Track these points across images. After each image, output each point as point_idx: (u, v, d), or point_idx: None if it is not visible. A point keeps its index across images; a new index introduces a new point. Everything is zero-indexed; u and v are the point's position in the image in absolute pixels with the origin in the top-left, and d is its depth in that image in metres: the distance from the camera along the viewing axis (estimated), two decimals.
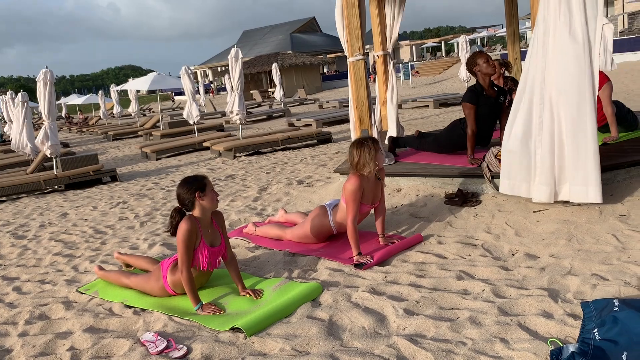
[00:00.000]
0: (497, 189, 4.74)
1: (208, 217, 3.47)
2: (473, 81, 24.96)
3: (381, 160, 3.97)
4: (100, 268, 4.04)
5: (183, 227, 3.32)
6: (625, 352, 2.30)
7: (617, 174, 4.50)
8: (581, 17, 3.79)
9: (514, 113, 4.17)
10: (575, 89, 3.86)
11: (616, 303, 2.49)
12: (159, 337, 2.99)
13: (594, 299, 2.68)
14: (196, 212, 3.41)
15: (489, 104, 5.28)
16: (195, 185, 3.38)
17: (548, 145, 4.00)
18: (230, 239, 4.72)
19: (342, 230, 4.27)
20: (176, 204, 3.53)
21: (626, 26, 31.78)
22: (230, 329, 3.02)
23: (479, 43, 51.73)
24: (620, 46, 23.95)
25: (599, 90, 5.33)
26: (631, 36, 26.64)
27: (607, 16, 31.74)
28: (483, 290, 3.15)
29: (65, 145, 18.21)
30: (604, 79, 5.43)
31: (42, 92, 8.95)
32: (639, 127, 5.85)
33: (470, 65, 5.24)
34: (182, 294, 3.60)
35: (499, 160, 4.70)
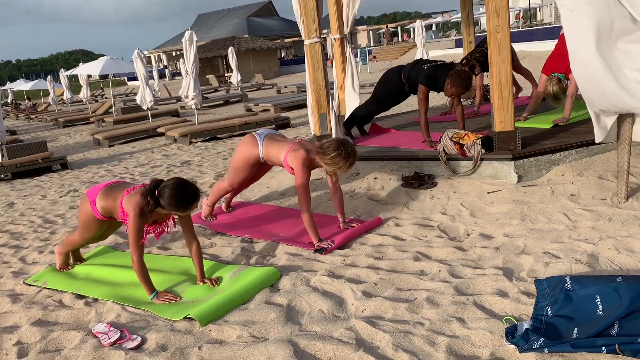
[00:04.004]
0: (453, 171, 4.80)
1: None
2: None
3: (330, 175, 3.98)
4: (59, 245, 3.93)
5: (134, 219, 3.16)
6: (576, 328, 2.36)
7: (568, 154, 4.62)
8: None
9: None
10: None
11: (568, 280, 2.55)
12: (111, 328, 2.90)
13: (547, 277, 2.73)
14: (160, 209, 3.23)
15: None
16: (181, 209, 3.13)
17: None
18: None
19: (271, 162, 4.22)
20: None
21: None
22: (186, 318, 2.95)
23: (434, 28, 52.27)
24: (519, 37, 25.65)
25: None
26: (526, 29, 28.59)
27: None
28: (439, 271, 3.18)
29: (12, 132, 17.48)
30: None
31: None
32: None
33: None
34: (111, 219, 3.55)
35: (455, 142, 4.75)
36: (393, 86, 5.75)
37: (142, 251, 3.23)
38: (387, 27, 48.16)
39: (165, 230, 3.47)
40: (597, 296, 2.40)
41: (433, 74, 5.28)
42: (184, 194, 3.10)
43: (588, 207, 3.83)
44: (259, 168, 4.54)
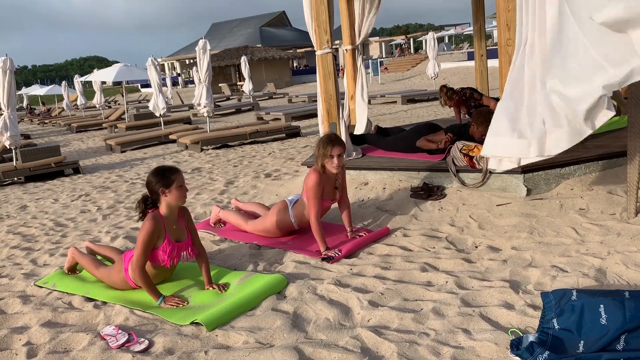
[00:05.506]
0: (462, 182, 4.80)
1: (175, 213, 3.42)
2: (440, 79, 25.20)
3: (337, 165, 3.89)
4: (76, 249, 3.94)
5: (146, 226, 3.27)
6: (582, 341, 2.35)
7: (577, 168, 4.61)
8: None
9: None
10: None
11: (574, 293, 2.55)
12: (119, 331, 2.93)
13: (554, 290, 2.73)
14: (162, 208, 3.36)
15: None
16: (161, 182, 3.29)
17: None
18: None
19: (303, 225, 4.24)
20: (141, 194, 3.53)
21: None
22: (193, 323, 2.97)
23: (446, 41, 52.35)
24: None
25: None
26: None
27: None
28: (446, 282, 3.18)
29: (27, 136, 17.69)
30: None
31: (1, 81, 8.65)
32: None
33: None
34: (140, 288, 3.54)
35: (464, 154, 4.76)
36: (413, 150, 5.74)
37: (146, 261, 3.29)
38: (406, 36, 47.98)
39: (185, 255, 3.51)
40: (602, 305, 2.40)
41: (459, 128, 5.43)
42: (162, 168, 3.38)
43: (597, 222, 3.82)
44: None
